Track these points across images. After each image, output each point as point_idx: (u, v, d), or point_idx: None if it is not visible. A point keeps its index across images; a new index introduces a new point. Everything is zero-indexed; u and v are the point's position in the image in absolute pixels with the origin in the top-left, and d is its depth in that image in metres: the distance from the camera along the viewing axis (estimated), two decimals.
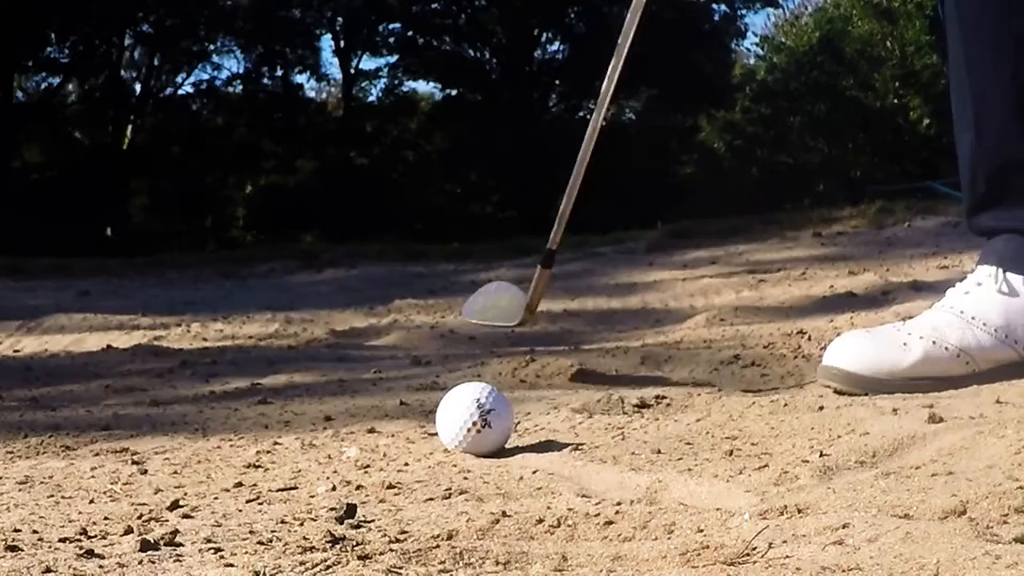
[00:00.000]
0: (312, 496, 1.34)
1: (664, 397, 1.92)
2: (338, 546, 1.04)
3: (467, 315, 2.08)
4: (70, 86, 24.43)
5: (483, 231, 16.32)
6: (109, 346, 3.73)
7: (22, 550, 1.07)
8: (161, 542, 1.08)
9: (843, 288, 4.21)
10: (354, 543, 1.05)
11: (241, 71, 24.39)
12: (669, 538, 1.06)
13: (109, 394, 2.56)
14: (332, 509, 1.22)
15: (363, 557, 1.00)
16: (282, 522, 1.18)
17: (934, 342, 1.83)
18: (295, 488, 1.39)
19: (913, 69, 21.04)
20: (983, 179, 1.87)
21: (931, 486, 1.18)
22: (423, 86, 30.62)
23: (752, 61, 26.82)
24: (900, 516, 1.08)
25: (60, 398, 2.52)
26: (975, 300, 1.86)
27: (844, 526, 1.02)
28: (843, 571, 0.92)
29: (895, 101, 21.62)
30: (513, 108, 22.85)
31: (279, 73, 24.26)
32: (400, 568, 0.97)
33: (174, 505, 1.28)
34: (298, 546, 1.05)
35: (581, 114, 24.96)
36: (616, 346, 3.01)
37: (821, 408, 1.70)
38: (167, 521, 1.21)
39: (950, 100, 1.97)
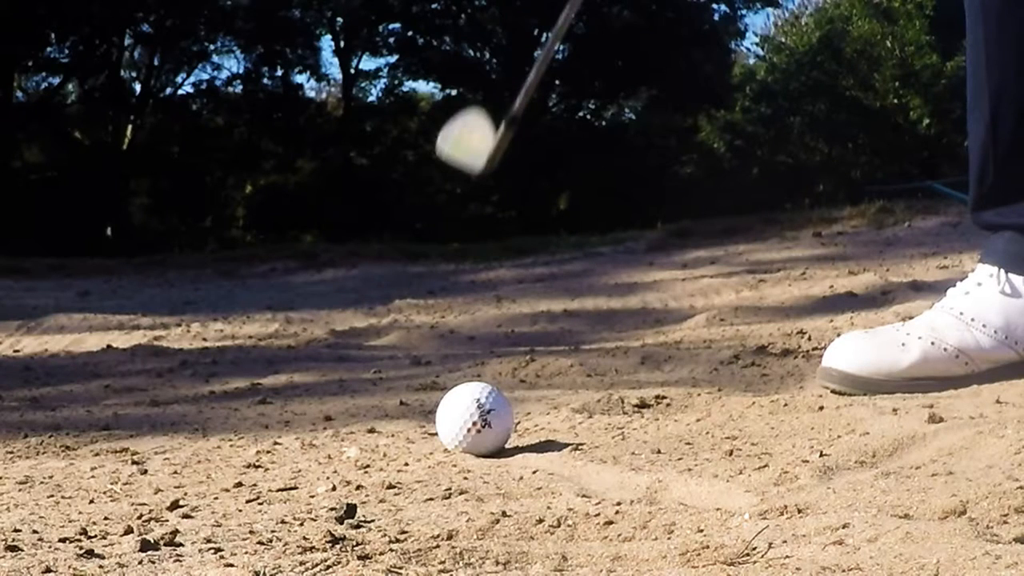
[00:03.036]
0: (312, 496, 1.34)
1: (664, 397, 1.92)
2: (338, 546, 1.04)
3: (439, 146, 2.02)
4: (70, 86, 24.42)
5: (483, 231, 16.30)
6: (109, 346, 3.73)
7: (22, 550, 1.07)
8: (161, 542, 1.08)
9: (843, 288, 4.21)
10: (354, 543, 1.05)
11: (241, 71, 24.38)
12: (669, 538, 1.06)
13: (109, 394, 2.56)
14: (332, 509, 1.22)
15: (363, 557, 1.00)
16: (282, 522, 1.18)
17: (933, 343, 1.83)
18: (295, 488, 1.39)
19: (913, 69, 21.02)
20: (992, 173, 1.86)
21: (931, 486, 1.18)
22: (423, 86, 30.65)
23: (752, 61, 26.80)
24: (900, 516, 1.08)
25: (60, 398, 2.52)
26: (975, 301, 1.86)
27: (844, 526, 1.02)
28: (843, 571, 0.92)
29: (895, 101, 21.60)
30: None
31: (279, 73, 24.25)
32: (400, 568, 0.97)
33: (174, 505, 1.28)
34: (298, 546, 1.05)
35: (581, 114, 24.97)
36: (616, 346, 3.01)
37: (821, 408, 1.70)
38: (167, 521, 1.21)
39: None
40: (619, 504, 1.18)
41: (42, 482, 1.48)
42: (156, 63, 23.82)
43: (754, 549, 0.97)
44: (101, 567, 1.01)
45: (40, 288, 7.45)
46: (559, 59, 24.36)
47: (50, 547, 1.09)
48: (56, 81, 23.77)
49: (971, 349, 1.83)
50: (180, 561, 1.03)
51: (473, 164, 1.99)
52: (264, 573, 0.97)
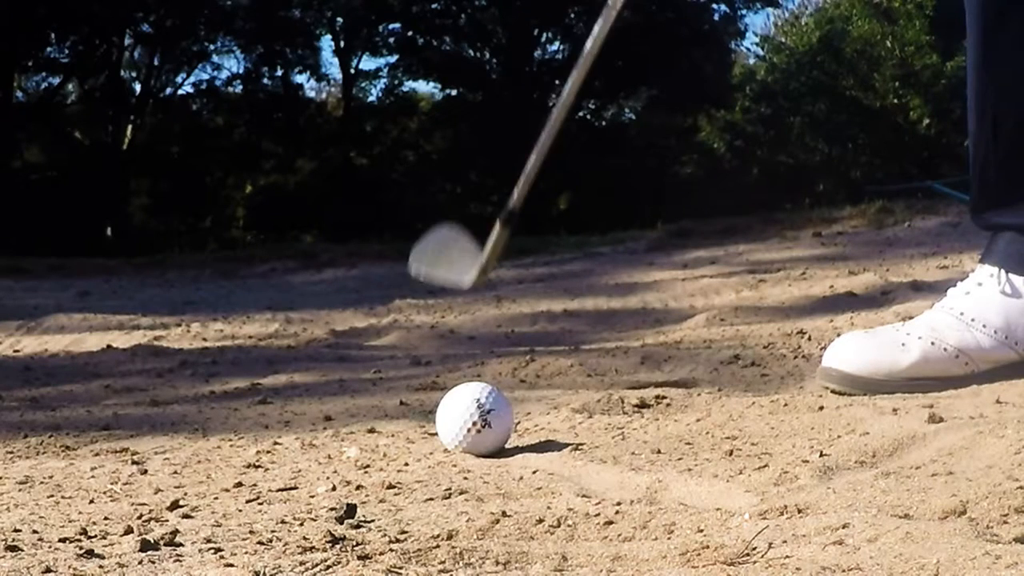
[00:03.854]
0: (312, 496, 1.34)
1: (664, 397, 1.92)
2: (338, 546, 1.04)
3: (414, 267, 1.82)
4: (70, 86, 24.40)
5: (483, 231, 16.26)
6: (109, 346, 3.73)
7: (22, 550, 1.07)
8: (161, 542, 1.08)
9: (843, 288, 4.21)
10: (354, 543, 1.05)
11: (241, 71, 24.37)
12: (669, 538, 1.06)
13: (109, 394, 2.56)
14: (332, 509, 1.22)
15: (363, 557, 1.00)
16: (282, 522, 1.18)
17: (933, 343, 1.83)
18: (295, 488, 1.39)
19: (913, 69, 21.02)
20: (994, 173, 1.86)
21: (931, 486, 1.18)
22: (423, 86, 30.61)
23: (752, 61, 26.80)
24: (900, 516, 1.08)
25: (60, 398, 2.52)
26: (975, 301, 1.86)
27: (844, 526, 1.02)
28: (843, 571, 0.92)
29: (895, 101, 21.60)
30: (513, 108, 22.82)
31: (279, 73, 24.24)
32: (400, 568, 0.97)
33: (174, 505, 1.28)
34: (298, 546, 1.05)
35: (581, 114, 24.96)
36: (616, 346, 3.01)
37: (821, 408, 1.70)
38: (167, 521, 1.21)
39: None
40: (619, 504, 1.18)
41: (42, 482, 1.48)
42: (156, 63, 23.82)
43: (754, 549, 0.97)
44: (101, 567, 1.01)
45: (40, 288, 7.45)
46: (559, 59, 24.39)
47: (50, 547, 1.09)
48: (56, 81, 23.77)
49: (971, 349, 1.83)
50: (180, 561, 1.03)
51: (459, 280, 1.82)
52: (264, 573, 0.97)
